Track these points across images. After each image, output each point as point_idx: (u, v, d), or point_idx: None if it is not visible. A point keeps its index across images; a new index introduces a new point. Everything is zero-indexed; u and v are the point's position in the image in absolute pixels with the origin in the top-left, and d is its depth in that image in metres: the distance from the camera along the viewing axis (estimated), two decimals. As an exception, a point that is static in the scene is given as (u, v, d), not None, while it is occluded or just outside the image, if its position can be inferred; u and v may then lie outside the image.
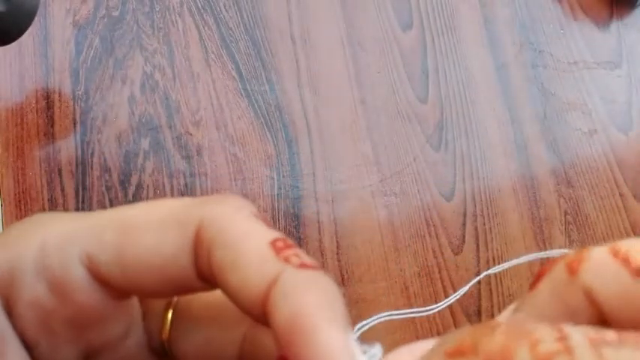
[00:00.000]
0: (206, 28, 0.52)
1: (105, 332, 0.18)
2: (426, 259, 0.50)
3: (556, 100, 0.58)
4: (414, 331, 0.49)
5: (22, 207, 0.45)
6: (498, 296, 0.51)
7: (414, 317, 0.49)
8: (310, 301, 0.14)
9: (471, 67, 0.57)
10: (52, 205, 0.46)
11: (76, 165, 0.47)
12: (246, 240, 0.15)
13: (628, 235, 0.55)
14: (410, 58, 0.56)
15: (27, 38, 0.48)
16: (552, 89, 0.58)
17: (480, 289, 0.51)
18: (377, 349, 0.15)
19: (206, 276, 0.16)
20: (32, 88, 0.48)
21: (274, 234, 0.16)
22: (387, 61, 0.55)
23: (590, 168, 0.56)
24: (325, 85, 0.53)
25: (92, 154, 0.48)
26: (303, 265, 0.15)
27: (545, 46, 0.59)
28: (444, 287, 0.50)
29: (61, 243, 0.16)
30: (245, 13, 0.54)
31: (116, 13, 0.51)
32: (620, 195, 0.56)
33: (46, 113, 0.48)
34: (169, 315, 0.19)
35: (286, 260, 0.15)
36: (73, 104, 0.48)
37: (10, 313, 0.16)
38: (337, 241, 0.49)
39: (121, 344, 0.19)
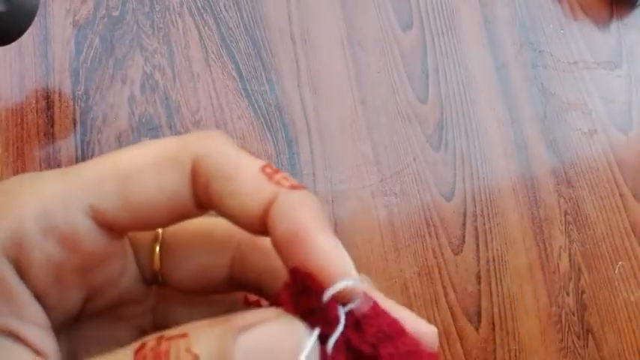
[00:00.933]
0: (206, 28, 0.52)
1: (106, 272, 0.19)
2: (426, 259, 0.50)
3: (556, 100, 0.58)
4: (414, 331, 0.49)
5: (22, 207, 0.45)
6: (498, 296, 0.51)
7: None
8: (303, 215, 0.17)
9: (471, 67, 0.57)
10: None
11: (76, 165, 0.47)
12: (240, 170, 0.18)
13: (628, 235, 0.55)
14: (410, 58, 0.56)
15: (27, 38, 0.48)
16: (552, 89, 0.58)
17: (479, 289, 0.51)
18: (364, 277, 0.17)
19: (204, 204, 0.18)
20: (32, 88, 0.48)
21: (261, 161, 0.18)
22: (387, 61, 0.55)
23: (590, 168, 0.56)
24: (325, 85, 0.53)
25: (92, 154, 0.48)
26: (293, 187, 0.17)
27: (545, 46, 0.59)
28: (444, 287, 0.50)
29: (61, 201, 0.17)
30: (245, 13, 0.54)
31: (116, 13, 0.51)
32: (620, 195, 0.56)
33: (46, 113, 0.48)
34: (157, 247, 0.21)
35: (278, 183, 0.17)
36: (73, 104, 0.48)
37: (22, 275, 0.17)
38: (337, 241, 0.49)
39: (118, 281, 0.20)
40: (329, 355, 0.16)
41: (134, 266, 0.21)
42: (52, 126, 0.48)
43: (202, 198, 0.18)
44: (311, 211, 0.17)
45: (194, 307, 0.22)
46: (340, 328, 0.16)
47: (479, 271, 0.51)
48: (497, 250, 0.52)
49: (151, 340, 0.16)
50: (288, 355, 0.15)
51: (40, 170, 0.47)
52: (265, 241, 0.19)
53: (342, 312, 0.16)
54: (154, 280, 0.21)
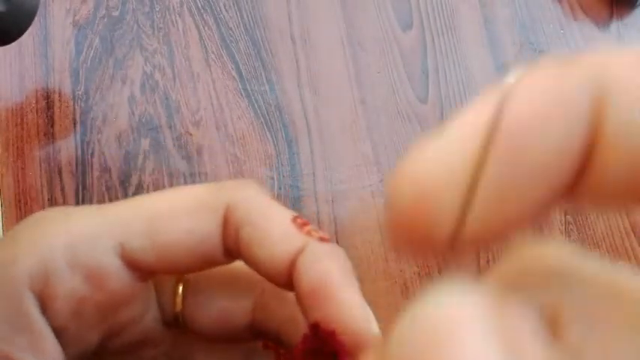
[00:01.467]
0: (206, 28, 0.52)
1: (128, 312, 0.19)
2: (426, 259, 0.50)
3: (556, 100, 0.58)
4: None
5: (22, 207, 0.45)
6: (498, 296, 0.51)
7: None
8: (332, 268, 0.17)
9: (471, 67, 0.57)
10: (52, 205, 0.46)
11: (76, 165, 0.47)
12: (271, 219, 0.18)
13: (628, 235, 0.55)
14: (410, 58, 0.56)
15: (27, 38, 0.48)
16: (552, 89, 0.58)
17: (479, 289, 0.51)
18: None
19: (232, 252, 0.18)
20: (32, 88, 0.48)
21: (292, 212, 0.18)
22: (387, 61, 0.55)
23: (590, 168, 0.56)
24: (325, 85, 0.53)
25: (92, 154, 0.48)
26: (322, 239, 0.18)
27: (545, 46, 0.59)
28: (444, 287, 0.50)
29: (91, 238, 0.18)
30: (245, 13, 0.54)
31: (116, 13, 0.51)
32: (620, 195, 0.56)
33: (46, 113, 0.48)
34: (180, 289, 0.21)
35: (308, 234, 0.18)
36: (73, 104, 0.48)
37: (44, 309, 0.18)
38: (337, 241, 0.49)
39: (139, 322, 0.20)
40: None
41: (155, 307, 0.21)
42: (52, 126, 0.48)
43: (231, 246, 0.18)
44: (339, 265, 0.17)
45: (212, 353, 0.22)
46: None
47: (479, 271, 0.51)
48: (497, 250, 0.52)
49: None
50: None
51: (40, 170, 0.47)
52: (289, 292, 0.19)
53: None
54: (175, 322, 0.21)
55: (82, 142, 0.48)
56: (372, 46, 0.55)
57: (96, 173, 0.47)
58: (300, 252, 0.17)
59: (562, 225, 0.54)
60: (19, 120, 0.47)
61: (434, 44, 0.57)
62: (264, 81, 0.52)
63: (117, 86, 0.49)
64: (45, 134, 0.47)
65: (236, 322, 0.20)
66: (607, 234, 0.55)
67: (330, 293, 0.16)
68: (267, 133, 0.51)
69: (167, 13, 0.52)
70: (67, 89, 0.49)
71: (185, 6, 0.52)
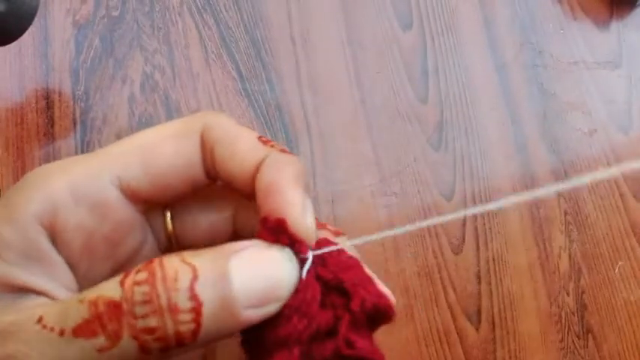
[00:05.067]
0: (206, 28, 0.52)
1: (131, 243, 0.21)
2: (426, 259, 0.50)
3: (556, 100, 0.58)
4: (413, 330, 0.49)
5: (22, 207, 0.45)
6: (498, 296, 0.51)
7: (413, 316, 0.49)
8: (284, 171, 0.19)
9: (471, 67, 0.57)
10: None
11: (76, 165, 0.47)
12: (239, 137, 0.20)
13: (628, 235, 0.55)
14: (410, 58, 0.56)
15: (27, 38, 0.48)
16: (552, 89, 0.58)
17: (480, 289, 0.51)
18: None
19: (210, 171, 0.21)
20: (32, 88, 0.48)
21: (257, 133, 0.21)
22: (387, 61, 0.55)
23: (590, 168, 0.56)
24: (325, 85, 0.53)
25: (92, 154, 0.48)
26: (283, 151, 0.20)
27: (545, 46, 0.59)
28: (444, 287, 0.50)
29: (91, 174, 0.19)
30: (245, 13, 0.54)
31: (116, 13, 0.51)
32: (620, 195, 0.56)
33: (46, 113, 0.48)
34: (168, 213, 0.23)
35: (271, 147, 0.20)
36: (73, 104, 0.48)
37: (55, 242, 0.19)
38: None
39: (140, 253, 0.22)
40: (302, 280, 0.18)
41: (151, 236, 0.22)
42: (52, 126, 0.48)
43: (209, 166, 0.21)
44: (291, 170, 0.19)
45: None
46: (309, 257, 0.19)
47: (479, 271, 0.51)
48: (497, 250, 0.52)
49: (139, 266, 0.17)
50: (278, 269, 0.18)
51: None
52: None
53: (310, 253, 0.19)
54: (169, 245, 0.23)
55: (82, 142, 0.48)
56: (372, 46, 0.55)
57: (96, 173, 0.47)
58: (262, 161, 0.20)
59: (562, 225, 0.54)
60: (19, 120, 0.47)
61: (434, 44, 0.57)
62: (264, 81, 0.52)
63: (117, 86, 0.49)
64: (45, 134, 0.47)
65: (221, 232, 0.22)
66: (607, 234, 0.55)
67: (276, 192, 0.19)
68: (267, 133, 0.51)
69: (167, 13, 0.52)
70: (67, 89, 0.49)
71: (185, 6, 0.52)
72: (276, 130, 0.51)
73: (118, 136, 0.48)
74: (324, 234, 0.21)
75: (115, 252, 0.21)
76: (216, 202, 0.23)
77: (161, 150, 0.20)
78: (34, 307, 0.18)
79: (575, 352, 0.51)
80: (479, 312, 0.51)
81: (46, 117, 0.48)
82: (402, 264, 0.50)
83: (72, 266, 0.20)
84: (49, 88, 0.49)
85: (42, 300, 0.18)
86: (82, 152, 0.47)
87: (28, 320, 0.17)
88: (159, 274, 0.16)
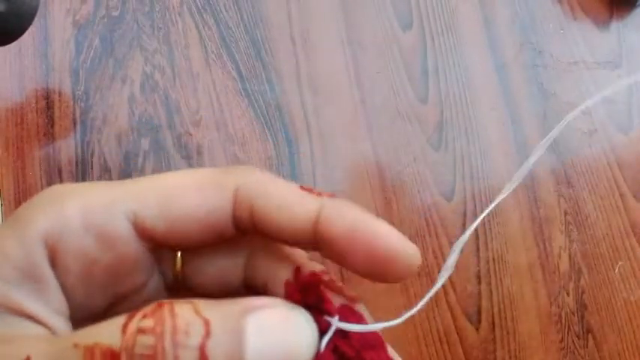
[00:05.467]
0: (206, 28, 0.52)
1: (134, 279, 0.20)
2: (426, 259, 0.50)
3: (556, 100, 0.58)
4: (413, 331, 0.49)
5: (22, 207, 0.45)
6: (498, 296, 0.51)
7: (413, 316, 0.49)
8: (358, 211, 0.19)
9: (471, 67, 0.57)
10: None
11: (76, 165, 0.47)
12: (282, 189, 0.19)
13: (628, 235, 0.55)
14: (410, 58, 0.56)
15: (27, 38, 0.48)
16: (552, 89, 0.58)
17: (480, 289, 0.51)
18: None
19: (243, 226, 0.20)
20: (32, 88, 0.48)
21: (296, 184, 0.20)
22: (387, 61, 0.55)
23: (590, 168, 0.56)
24: (325, 85, 0.53)
25: (92, 154, 0.48)
26: (332, 196, 0.19)
27: (545, 46, 0.59)
28: (443, 287, 0.50)
29: (105, 204, 0.19)
30: (245, 13, 0.54)
31: (116, 13, 0.51)
32: (620, 195, 0.56)
33: (46, 113, 0.48)
34: (179, 253, 0.22)
35: (319, 195, 0.19)
36: (73, 104, 0.48)
37: (55, 265, 0.18)
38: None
39: (144, 289, 0.21)
40: (320, 353, 0.17)
41: (158, 275, 0.21)
42: (52, 126, 0.48)
43: (244, 220, 0.19)
44: (361, 210, 0.19)
45: None
46: (332, 330, 0.17)
47: (479, 271, 0.51)
48: (497, 250, 0.52)
49: (147, 307, 0.16)
50: (298, 338, 0.16)
51: (40, 170, 0.47)
52: (274, 247, 0.21)
53: (334, 320, 0.17)
54: (176, 286, 0.22)
55: (82, 142, 0.48)
56: (372, 46, 0.55)
57: (96, 173, 0.47)
58: (319, 209, 0.19)
59: (562, 225, 0.54)
60: (19, 120, 0.47)
61: (434, 44, 0.57)
62: (264, 81, 0.52)
63: (117, 86, 0.49)
64: (45, 134, 0.47)
65: (232, 279, 0.21)
66: (607, 234, 0.55)
67: (370, 231, 0.18)
68: (267, 133, 0.51)
69: (167, 13, 0.52)
70: (67, 89, 0.49)
71: (185, 6, 0.52)
72: (276, 130, 0.51)
73: (118, 137, 0.48)
74: (340, 301, 0.19)
75: (116, 284, 0.20)
76: (230, 246, 0.22)
77: (182, 197, 0.19)
78: (23, 341, 0.17)
79: (575, 352, 0.51)
80: (479, 312, 0.51)
81: (46, 117, 0.48)
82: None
83: (68, 292, 0.19)
84: (49, 88, 0.49)
85: (33, 331, 0.17)
86: (83, 152, 0.47)
87: (15, 359, 0.16)
88: (168, 325, 0.15)
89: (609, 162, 0.57)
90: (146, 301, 0.20)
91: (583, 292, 0.53)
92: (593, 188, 0.56)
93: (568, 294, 0.52)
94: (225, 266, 0.21)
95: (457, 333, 0.50)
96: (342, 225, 0.18)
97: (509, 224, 0.53)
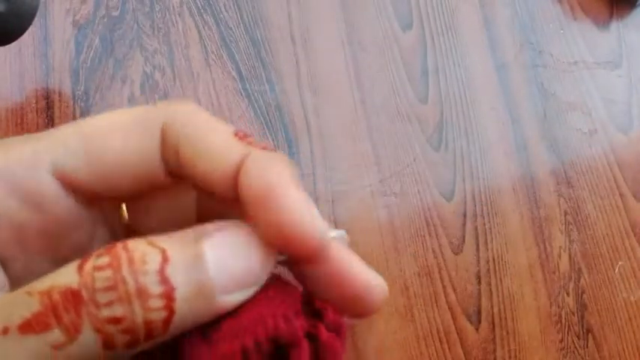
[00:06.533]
0: (206, 28, 0.52)
1: (75, 239, 0.18)
2: (426, 259, 0.50)
3: (556, 100, 0.58)
4: (413, 330, 0.49)
5: (22, 207, 0.45)
6: (498, 296, 0.51)
7: (413, 316, 0.49)
8: (276, 172, 0.16)
9: (471, 67, 0.57)
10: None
11: (76, 165, 0.47)
12: (211, 133, 0.17)
13: (628, 235, 0.55)
14: (410, 58, 0.56)
15: (27, 38, 0.48)
16: (552, 89, 0.58)
17: (479, 289, 0.51)
18: (342, 232, 0.18)
19: (174, 171, 0.18)
20: (32, 88, 0.48)
21: (233, 127, 0.18)
22: (387, 61, 0.55)
23: (590, 168, 0.56)
24: (325, 85, 0.53)
25: (92, 154, 0.48)
26: (264, 148, 0.17)
27: (545, 46, 0.59)
28: (443, 287, 0.50)
29: (27, 160, 0.17)
30: (245, 13, 0.54)
31: (116, 13, 0.51)
32: (620, 195, 0.56)
33: (46, 113, 0.48)
34: (124, 204, 0.20)
35: (249, 144, 0.17)
36: (73, 104, 0.48)
37: None
38: (337, 241, 0.49)
39: (89, 247, 0.19)
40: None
41: (104, 230, 0.20)
42: (52, 126, 0.48)
43: (172, 163, 0.18)
44: (283, 169, 0.17)
45: None
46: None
47: (479, 271, 0.51)
48: (497, 250, 0.52)
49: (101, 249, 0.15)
50: (258, 251, 0.16)
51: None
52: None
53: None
54: (126, 235, 0.20)
55: (82, 142, 0.48)
56: (372, 46, 0.55)
57: (96, 173, 0.47)
58: (242, 161, 0.17)
59: (562, 225, 0.54)
60: (19, 120, 0.47)
61: (434, 44, 0.57)
62: (264, 81, 0.52)
63: (117, 86, 0.49)
64: (45, 134, 0.47)
65: (186, 219, 0.20)
66: (607, 234, 0.55)
67: (277, 196, 0.16)
68: (267, 133, 0.51)
69: (167, 13, 0.52)
70: (67, 89, 0.49)
71: (185, 6, 0.52)
72: (276, 130, 0.51)
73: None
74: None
75: (56, 247, 0.18)
76: (178, 189, 0.20)
77: (107, 142, 0.17)
78: None
79: (575, 352, 0.51)
80: (479, 312, 0.51)
81: (46, 117, 0.48)
82: (402, 264, 0.50)
83: (5, 262, 0.17)
84: (49, 88, 0.49)
85: None
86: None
87: None
88: (124, 258, 0.14)
89: (609, 162, 0.57)
90: None
91: (583, 292, 0.53)
92: (593, 188, 0.56)
93: (568, 294, 0.52)
94: (175, 208, 0.20)
95: (457, 333, 0.50)
96: (256, 184, 0.16)
97: (509, 224, 0.53)
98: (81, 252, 0.18)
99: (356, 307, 0.17)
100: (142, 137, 0.17)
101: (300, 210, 0.16)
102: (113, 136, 0.17)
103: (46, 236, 0.18)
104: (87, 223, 0.19)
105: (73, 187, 0.17)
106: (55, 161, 0.17)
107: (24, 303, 0.14)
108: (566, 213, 0.54)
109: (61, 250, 0.18)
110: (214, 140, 0.17)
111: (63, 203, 0.17)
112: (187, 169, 0.17)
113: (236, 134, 0.17)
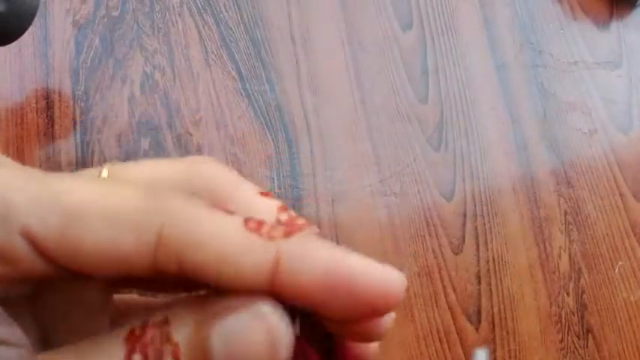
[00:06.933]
0: (206, 28, 0.52)
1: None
2: (426, 259, 0.50)
3: (556, 100, 0.58)
4: (413, 331, 0.49)
5: (22, 207, 0.45)
6: (498, 296, 0.51)
7: (413, 316, 0.49)
8: (323, 252, 0.15)
9: (471, 67, 0.57)
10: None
11: (76, 165, 0.47)
12: (221, 234, 0.15)
13: (628, 235, 0.55)
14: (410, 58, 0.56)
15: (27, 38, 0.48)
16: (552, 89, 0.58)
17: (479, 289, 0.51)
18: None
19: (171, 273, 0.16)
20: (32, 88, 0.48)
21: (239, 217, 0.16)
22: (387, 61, 0.55)
23: (590, 168, 0.56)
24: (325, 85, 0.53)
25: (92, 154, 0.48)
26: (288, 233, 0.16)
27: (545, 46, 0.59)
28: (443, 287, 0.50)
29: (2, 210, 0.16)
30: (245, 13, 0.54)
31: (116, 13, 0.51)
32: (620, 195, 0.56)
33: (46, 113, 0.48)
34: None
35: (270, 237, 0.16)
36: (73, 104, 0.48)
37: None
38: (337, 241, 0.49)
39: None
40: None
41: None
42: (52, 126, 0.48)
43: (170, 268, 0.16)
44: (322, 246, 0.16)
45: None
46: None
47: (479, 271, 0.51)
48: (497, 250, 0.52)
49: (137, 327, 0.15)
50: (263, 343, 0.15)
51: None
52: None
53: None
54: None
55: (82, 142, 0.48)
56: (372, 46, 0.55)
57: (96, 173, 0.47)
58: (276, 260, 0.15)
59: (562, 225, 0.54)
60: (19, 120, 0.47)
61: (434, 44, 0.57)
62: (264, 81, 0.52)
63: (117, 86, 0.49)
64: (45, 134, 0.47)
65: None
66: (607, 234, 0.55)
67: (345, 271, 0.15)
68: (267, 133, 0.51)
69: (167, 13, 0.52)
70: (67, 89, 0.49)
71: (185, 6, 0.52)
72: (276, 130, 0.51)
73: (118, 137, 0.48)
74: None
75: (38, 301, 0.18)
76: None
77: (90, 236, 0.16)
78: None
79: (575, 352, 0.51)
80: (479, 312, 0.51)
81: (46, 117, 0.48)
82: (402, 264, 0.50)
83: None
84: (49, 88, 0.49)
85: None
86: (82, 152, 0.47)
87: None
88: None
89: (609, 162, 0.57)
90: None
91: (583, 292, 0.53)
92: (593, 188, 0.56)
93: (568, 294, 0.52)
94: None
95: (457, 333, 0.50)
96: (313, 276, 0.15)
97: (509, 224, 0.53)
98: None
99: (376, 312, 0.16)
100: (134, 240, 0.16)
101: (372, 266, 0.15)
102: (98, 228, 0.15)
103: (20, 282, 0.17)
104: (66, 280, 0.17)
105: (45, 257, 0.16)
106: (30, 228, 0.16)
107: None
108: (566, 213, 0.54)
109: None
110: (232, 245, 0.15)
111: (37, 263, 0.16)
112: (201, 276, 0.16)
113: (248, 226, 0.16)
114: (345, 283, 0.15)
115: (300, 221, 0.17)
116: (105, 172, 0.18)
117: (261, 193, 0.17)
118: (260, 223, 0.16)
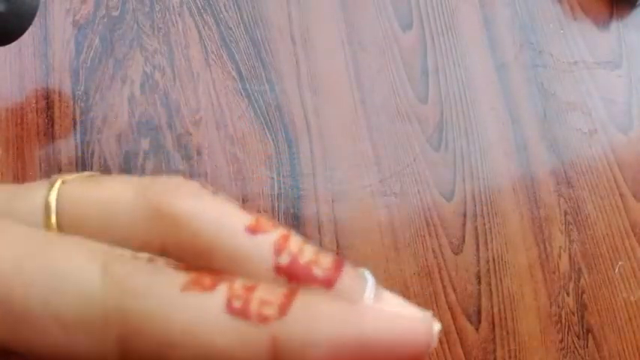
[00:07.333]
0: (206, 28, 0.52)
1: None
2: (426, 259, 0.50)
3: (556, 100, 0.58)
4: (414, 331, 0.49)
5: (22, 207, 0.45)
6: (498, 296, 0.51)
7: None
8: (330, 328, 0.13)
9: (471, 67, 0.57)
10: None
11: (76, 165, 0.47)
12: (200, 325, 0.13)
13: (628, 235, 0.55)
14: (410, 58, 0.56)
15: (27, 38, 0.48)
16: (552, 89, 0.58)
17: (479, 289, 0.51)
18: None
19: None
20: (32, 88, 0.48)
21: (221, 296, 0.13)
22: (387, 61, 0.55)
23: (590, 168, 0.56)
24: (325, 85, 0.53)
25: (92, 154, 0.48)
26: (284, 307, 0.13)
27: (545, 46, 0.59)
28: (443, 287, 0.50)
29: None
30: (245, 13, 0.54)
31: (116, 13, 0.51)
32: (620, 195, 0.56)
33: (46, 113, 0.48)
34: None
35: (261, 320, 0.13)
36: (73, 104, 0.48)
37: None
38: (337, 241, 0.49)
39: None
40: None
41: None
42: (52, 126, 0.48)
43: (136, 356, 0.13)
44: (332, 305, 0.13)
45: None
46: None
47: (479, 271, 0.52)
48: (497, 250, 0.52)
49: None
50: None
51: (40, 170, 0.47)
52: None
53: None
54: None
55: (82, 142, 0.48)
56: (372, 46, 0.55)
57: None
58: (273, 350, 0.13)
59: (562, 225, 0.54)
60: (19, 120, 0.47)
61: (434, 44, 0.57)
62: (264, 81, 0.52)
63: (117, 86, 0.49)
64: (45, 134, 0.47)
65: None
66: (607, 234, 0.55)
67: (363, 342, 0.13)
68: (267, 133, 0.51)
69: (167, 13, 0.52)
70: (67, 89, 0.49)
71: (185, 6, 0.52)
72: (276, 130, 0.51)
73: (118, 137, 0.48)
74: None
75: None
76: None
77: (38, 335, 0.13)
78: None
79: (575, 352, 0.51)
80: (479, 312, 0.51)
81: (46, 117, 0.48)
82: (402, 264, 0.50)
83: None
84: (49, 88, 0.49)
85: None
86: (82, 152, 0.48)
87: None
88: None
89: (609, 162, 0.57)
90: None
91: (583, 292, 0.53)
92: (593, 188, 0.56)
93: (568, 294, 0.52)
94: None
95: (457, 333, 0.50)
96: (320, 354, 0.13)
97: (509, 224, 0.53)
98: None
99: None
100: (89, 341, 0.13)
101: (390, 326, 0.13)
102: (50, 329, 0.13)
103: None
104: None
105: None
106: None
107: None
108: (566, 213, 0.54)
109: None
110: (212, 340, 0.13)
111: None
112: None
113: (230, 309, 0.13)
114: (359, 352, 0.13)
115: (305, 257, 0.14)
116: (53, 218, 0.14)
117: (250, 229, 0.14)
118: (247, 302, 0.13)
